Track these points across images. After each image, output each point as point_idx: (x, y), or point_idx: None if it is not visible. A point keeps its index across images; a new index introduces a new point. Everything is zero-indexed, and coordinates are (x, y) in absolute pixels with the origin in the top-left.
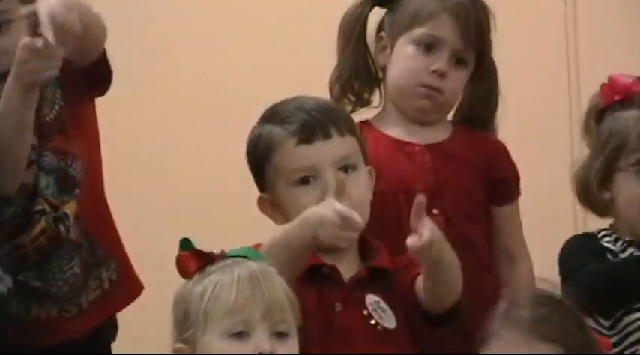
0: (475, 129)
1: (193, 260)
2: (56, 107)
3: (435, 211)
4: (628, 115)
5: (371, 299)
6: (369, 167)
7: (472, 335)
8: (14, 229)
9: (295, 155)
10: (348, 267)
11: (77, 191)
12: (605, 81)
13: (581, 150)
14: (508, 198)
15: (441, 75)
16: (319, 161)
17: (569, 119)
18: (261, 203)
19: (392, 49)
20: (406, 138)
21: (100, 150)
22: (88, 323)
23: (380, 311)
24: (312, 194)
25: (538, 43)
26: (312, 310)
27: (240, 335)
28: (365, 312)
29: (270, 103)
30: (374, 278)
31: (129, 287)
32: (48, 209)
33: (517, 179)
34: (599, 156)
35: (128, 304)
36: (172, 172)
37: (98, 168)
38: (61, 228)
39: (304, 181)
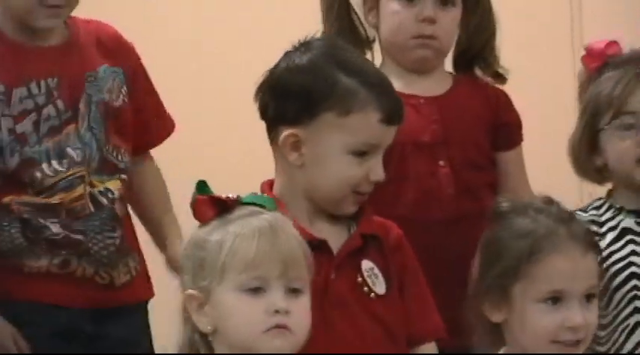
0: (477, 63)
1: (210, 207)
2: (121, 97)
3: (441, 163)
4: (602, 78)
5: (367, 265)
6: None
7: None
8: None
9: (371, 130)
10: (338, 235)
11: (123, 176)
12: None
13: None
14: (511, 143)
15: (430, 21)
16: (382, 143)
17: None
18: (286, 137)
19: (378, 8)
20: (409, 91)
21: None
22: (116, 299)
23: (373, 278)
24: (359, 168)
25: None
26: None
27: (256, 290)
28: (360, 279)
29: None
30: (365, 244)
31: (143, 287)
32: (87, 179)
33: (519, 124)
34: (582, 123)
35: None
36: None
37: None
38: (102, 199)
39: (360, 153)
